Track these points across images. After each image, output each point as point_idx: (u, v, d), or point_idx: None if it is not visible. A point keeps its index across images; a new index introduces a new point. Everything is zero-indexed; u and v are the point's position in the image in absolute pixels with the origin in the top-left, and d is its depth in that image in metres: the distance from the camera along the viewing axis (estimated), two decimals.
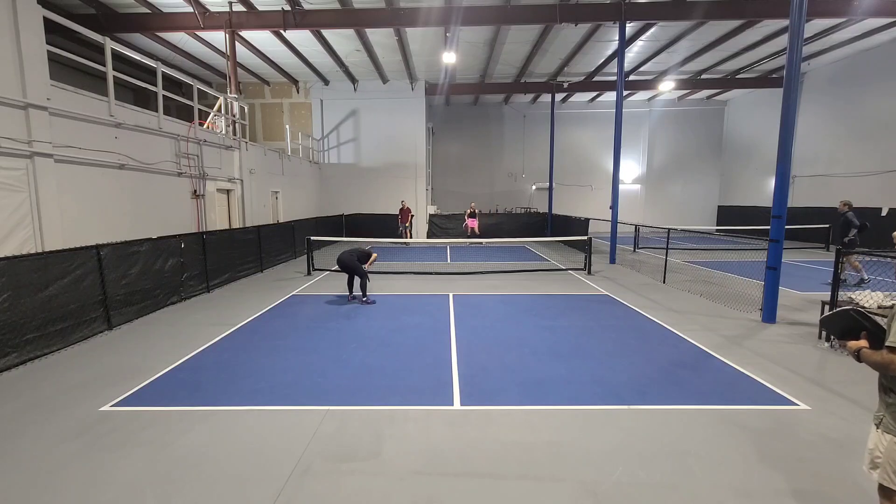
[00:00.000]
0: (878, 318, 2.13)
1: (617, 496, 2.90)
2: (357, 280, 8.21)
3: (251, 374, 4.90)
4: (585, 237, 11.81)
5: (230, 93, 12.84)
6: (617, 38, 12.22)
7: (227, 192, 12.00)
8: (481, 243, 16.60)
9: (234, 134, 12.83)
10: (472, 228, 17.87)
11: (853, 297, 5.84)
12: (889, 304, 5.60)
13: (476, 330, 6.50)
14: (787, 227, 6.75)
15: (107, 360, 5.34)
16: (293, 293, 8.96)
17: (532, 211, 22.87)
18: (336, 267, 11.89)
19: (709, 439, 3.56)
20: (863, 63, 15.82)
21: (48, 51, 6.60)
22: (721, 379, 4.75)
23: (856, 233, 9.24)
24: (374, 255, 8.45)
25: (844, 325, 2.20)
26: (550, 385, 4.59)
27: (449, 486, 3.01)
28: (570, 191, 24.05)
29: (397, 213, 17.58)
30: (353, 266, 8.08)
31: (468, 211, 18.21)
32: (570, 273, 11.28)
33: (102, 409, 4.10)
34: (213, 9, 11.88)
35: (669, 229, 10.82)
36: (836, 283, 5.83)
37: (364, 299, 8.08)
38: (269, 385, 4.61)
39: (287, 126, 17.36)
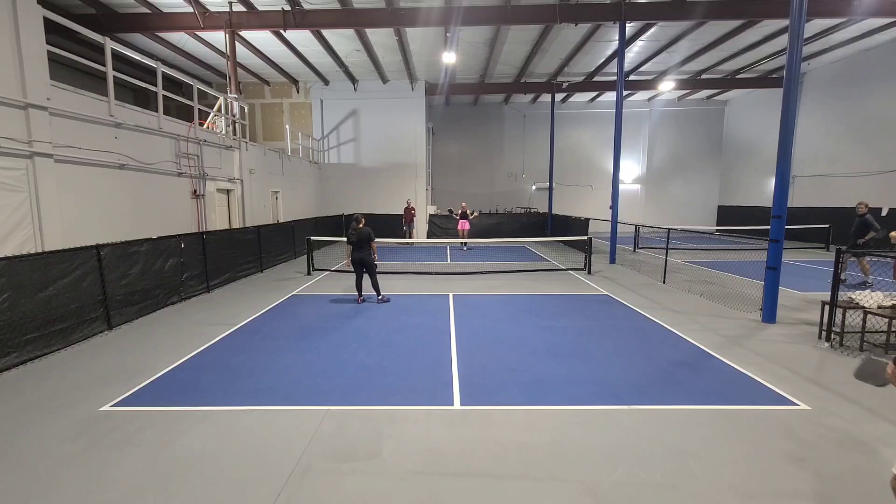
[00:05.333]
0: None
1: (617, 496, 2.90)
2: (366, 279, 8.05)
3: (251, 374, 4.90)
4: (585, 237, 11.80)
5: (230, 93, 12.84)
6: (617, 38, 12.22)
7: (227, 192, 12.00)
8: (465, 244, 16.04)
9: (234, 134, 12.83)
10: (464, 231, 15.90)
11: (853, 296, 5.84)
12: (889, 303, 5.60)
13: (476, 330, 6.50)
14: (787, 227, 6.75)
15: (107, 360, 5.34)
16: (293, 293, 8.95)
17: (532, 211, 22.87)
18: (336, 267, 12.03)
19: (709, 439, 3.56)
20: (863, 63, 15.81)
21: (48, 51, 6.60)
22: (721, 379, 4.75)
23: (873, 235, 9.24)
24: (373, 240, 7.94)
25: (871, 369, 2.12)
26: (550, 385, 4.59)
27: (449, 486, 3.01)
28: (570, 191, 24.05)
29: (402, 212, 17.62)
30: (369, 262, 7.89)
31: (459, 211, 16.26)
32: (570, 273, 11.27)
33: (102, 409, 4.10)
34: (213, 9, 11.88)
35: (669, 229, 10.82)
36: (837, 283, 5.83)
37: (380, 298, 8.06)
38: (269, 385, 4.61)
39: (287, 126, 17.36)
